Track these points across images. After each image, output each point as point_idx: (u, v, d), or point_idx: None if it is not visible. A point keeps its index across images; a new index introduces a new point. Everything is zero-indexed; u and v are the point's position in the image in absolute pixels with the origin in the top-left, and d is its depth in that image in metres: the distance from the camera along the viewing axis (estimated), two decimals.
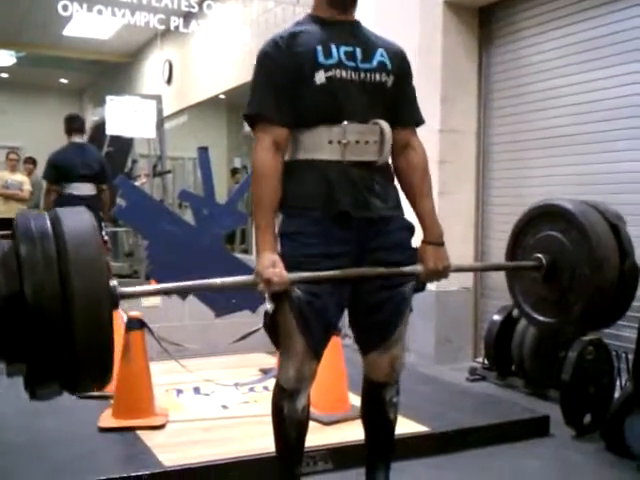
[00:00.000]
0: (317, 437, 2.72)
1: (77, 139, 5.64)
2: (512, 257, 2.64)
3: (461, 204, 4.66)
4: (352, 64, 1.96)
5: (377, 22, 4.62)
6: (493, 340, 4.06)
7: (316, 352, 2.00)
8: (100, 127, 7.27)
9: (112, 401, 3.14)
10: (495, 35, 4.64)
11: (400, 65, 2.07)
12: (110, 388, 3.19)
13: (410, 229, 2.09)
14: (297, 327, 1.95)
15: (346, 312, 2.09)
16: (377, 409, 2.17)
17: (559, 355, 3.58)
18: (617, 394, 3.16)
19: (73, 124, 5.67)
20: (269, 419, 2.09)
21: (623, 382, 3.31)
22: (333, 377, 3.09)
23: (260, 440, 2.65)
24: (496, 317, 4.10)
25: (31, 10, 8.48)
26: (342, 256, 1.96)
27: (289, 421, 2.04)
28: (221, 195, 4.16)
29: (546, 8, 4.19)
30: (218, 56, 7.76)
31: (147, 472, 2.50)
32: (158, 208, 3.58)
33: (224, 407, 3.38)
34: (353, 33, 2.04)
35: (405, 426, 2.94)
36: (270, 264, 1.87)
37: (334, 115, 1.94)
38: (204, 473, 2.57)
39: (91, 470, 2.51)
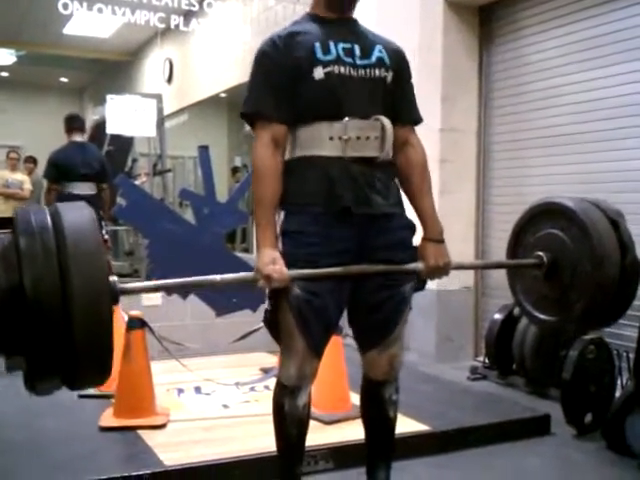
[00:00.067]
0: (318, 436, 2.72)
1: (77, 138, 5.64)
2: (513, 256, 2.64)
3: (462, 203, 4.66)
4: (350, 60, 1.97)
5: (378, 21, 4.62)
6: (494, 339, 4.06)
7: (317, 351, 2.00)
8: (100, 126, 7.26)
9: (113, 400, 3.14)
10: (496, 34, 4.63)
11: (399, 62, 2.08)
12: (111, 387, 3.20)
13: (411, 228, 2.08)
14: (297, 327, 1.95)
15: (346, 310, 2.08)
16: (376, 407, 2.17)
17: (560, 354, 3.57)
18: (618, 393, 3.16)
19: (73, 123, 5.67)
20: (270, 418, 2.09)
21: (624, 381, 3.31)
22: (334, 376, 3.09)
23: (261, 439, 2.65)
24: (497, 316, 4.10)
25: (31, 9, 8.47)
26: (343, 254, 1.95)
27: (290, 418, 2.04)
28: (222, 194, 4.16)
29: (547, 7, 4.18)
30: (218, 55, 7.75)
31: (148, 471, 2.50)
32: (158, 207, 3.58)
33: (225, 406, 3.38)
34: (351, 30, 2.05)
35: (406, 425, 2.94)
36: (270, 261, 1.87)
37: (334, 111, 1.94)
38: (205, 472, 2.57)
39: (92, 469, 2.51)
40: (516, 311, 3.88)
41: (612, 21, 3.75)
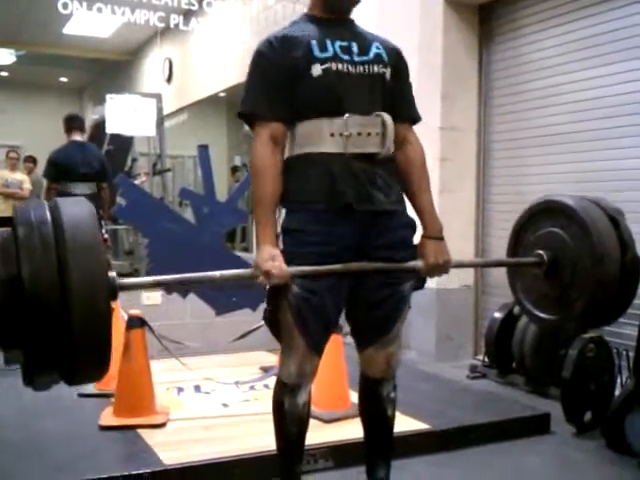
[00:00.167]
0: (318, 435, 2.72)
1: (77, 137, 5.64)
2: (514, 255, 2.64)
3: (461, 201, 4.66)
4: (347, 57, 1.97)
5: (378, 20, 4.63)
6: (494, 338, 4.06)
7: (317, 349, 2.01)
8: (100, 125, 7.26)
9: (113, 399, 3.14)
10: (495, 33, 4.63)
11: (396, 60, 2.09)
12: (110, 386, 3.21)
13: (412, 227, 2.08)
14: (296, 326, 1.95)
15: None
16: (375, 405, 2.18)
17: (560, 353, 3.58)
18: (618, 392, 3.16)
19: (73, 123, 5.67)
20: (270, 417, 2.09)
21: (624, 380, 3.31)
22: (334, 375, 3.09)
23: (261, 438, 2.65)
24: (497, 315, 4.10)
25: (31, 8, 8.47)
26: (343, 252, 1.95)
27: (290, 416, 2.04)
28: (221, 193, 4.16)
29: (546, 5, 4.18)
30: (218, 54, 7.74)
31: (148, 470, 2.50)
32: (158, 206, 3.58)
33: (225, 405, 3.38)
34: (348, 30, 2.06)
35: (405, 424, 2.94)
36: (269, 257, 1.88)
37: (334, 107, 1.94)
38: (205, 471, 2.57)
39: (92, 469, 2.51)
40: (516, 310, 3.88)
41: (611, 20, 3.75)
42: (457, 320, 4.67)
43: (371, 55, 2.01)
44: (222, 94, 8.51)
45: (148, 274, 3.20)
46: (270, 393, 2.11)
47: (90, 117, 8.70)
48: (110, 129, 6.47)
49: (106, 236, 5.60)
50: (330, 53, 1.96)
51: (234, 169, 10.03)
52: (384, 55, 2.04)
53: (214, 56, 7.91)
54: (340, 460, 2.72)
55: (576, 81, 3.96)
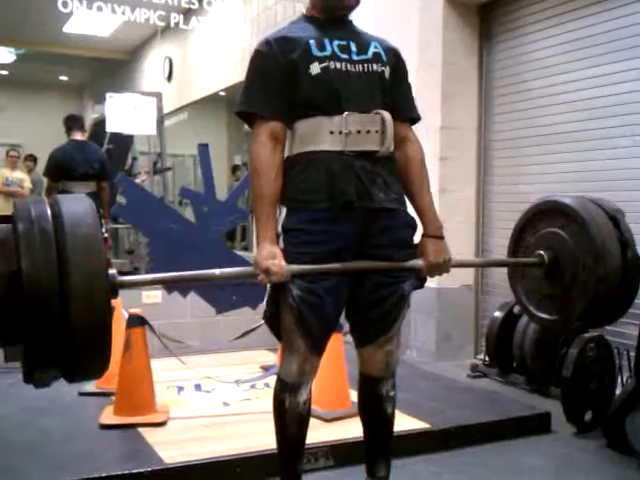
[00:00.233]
0: (318, 433, 2.72)
1: (78, 136, 5.64)
2: (514, 255, 2.64)
3: (462, 201, 4.66)
4: (346, 56, 1.98)
5: (377, 19, 4.63)
6: (494, 337, 4.06)
7: (317, 349, 2.01)
8: (100, 124, 7.26)
9: (113, 398, 3.14)
10: (496, 31, 4.63)
11: (394, 59, 2.09)
12: (111, 385, 3.21)
13: (413, 226, 2.08)
14: (296, 327, 1.95)
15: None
16: (374, 404, 2.17)
17: (560, 352, 3.58)
18: (618, 391, 3.16)
19: (73, 123, 5.67)
20: (270, 416, 2.09)
21: (624, 379, 3.31)
22: (334, 374, 3.09)
23: (261, 437, 2.65)
24: (497, 314, 4.10)
25: (31, 7, 8.47)
26: (343, 251, 1.95)
27: (290, 415, 2.04)
28: (221, 192, 4.16)
29: (547, 4, 4.18)
30: (218, 53, 7.75)
31: (148, 469, 2.50)
32: (158, 205, 3.57)
33: (225, 404, 3.38)
34: (346, 30, 2.07)
35: (406, 423, 2.95)
36: (269, 255, 1.88)
37: (334, 105, 1.94)
38: (205, 470, 2.57)
39: (92, 467, 2.51)
40: (516, 309, 3.88)
41: (612, 19, 3.74)
42: (457, 319, 4.67)
43: (370, 54, 2.02)
44: (222, 93, 8.51)
45: (148, 273, 3.20)
46: (271, 392, 2.11)
47: (90, 116, 8.71)
48: (110, 128, 6.47)
49: (106, 235, 5.60)
50: (328, 52, 1.96)
51: (234, 168, 10.03)
52: (382, 54, 2.04)
53: (214, 55, 7.91)
54: (340, 459, 2.72)
55: (576, 80, 3.96)
